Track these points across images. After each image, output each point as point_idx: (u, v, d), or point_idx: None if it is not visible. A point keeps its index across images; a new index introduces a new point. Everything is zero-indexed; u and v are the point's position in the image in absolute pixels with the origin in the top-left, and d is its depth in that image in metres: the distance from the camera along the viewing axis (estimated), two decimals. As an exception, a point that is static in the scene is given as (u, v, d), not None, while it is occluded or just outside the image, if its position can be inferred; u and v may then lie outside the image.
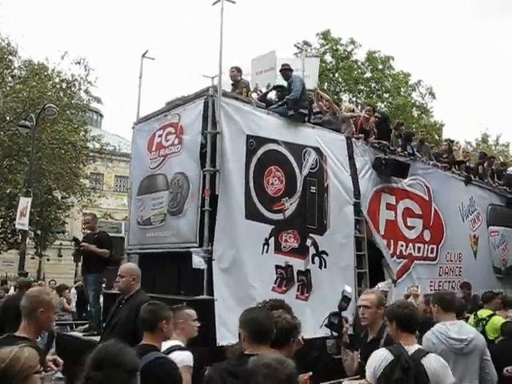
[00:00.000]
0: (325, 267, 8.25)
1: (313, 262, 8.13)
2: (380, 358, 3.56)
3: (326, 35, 31.31)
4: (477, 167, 12.40)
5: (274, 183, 7.87)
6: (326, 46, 31.50)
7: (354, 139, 9.27)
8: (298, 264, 7.92)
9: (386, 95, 31.58)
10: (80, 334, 7.75)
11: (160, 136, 8.27)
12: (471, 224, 11.57)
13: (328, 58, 31.33)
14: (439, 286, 10.16)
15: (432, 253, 10.33)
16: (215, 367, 3.20)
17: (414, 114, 31.71)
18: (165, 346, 3.91)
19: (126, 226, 9.17)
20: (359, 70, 31.48)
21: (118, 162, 33.54)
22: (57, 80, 23.87)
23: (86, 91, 25.30)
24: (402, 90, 31.75)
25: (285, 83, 8.67)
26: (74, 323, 10.36)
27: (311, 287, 7.99)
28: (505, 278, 12.07)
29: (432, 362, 3.52)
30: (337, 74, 31.25)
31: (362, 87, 31.41)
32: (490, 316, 6.96)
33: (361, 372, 4.12)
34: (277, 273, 7.68)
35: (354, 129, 9.50)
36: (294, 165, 8.17)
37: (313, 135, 8.61)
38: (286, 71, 8.50)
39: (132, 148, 9.25)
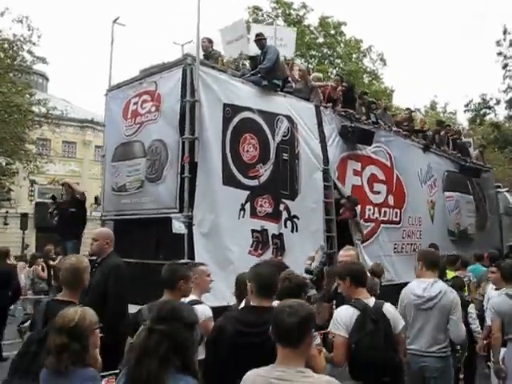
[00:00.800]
0: (296, 231, 8.81)
1: (285, 226, 8.66)
2: (349, 314, 4.01)
3: (277, -1, 31.47)
4: (433, 135, 13.17)
5: (249, 150, 8.29)
6: (278, 10, 31.65)
7: (322, 107, 9.77)
8: (272, 228, 8.43)
9: (338, 61, 32.18)
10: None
11: (135, 103, 8.48)
12: (429, 189, 12.42)
13: (280, 22, 31.47)
14: (402, 248, 10.98)
15: (396, 217, 11.12)
16: (225, 316, 3.63)
17: (365, 81, 32.54)
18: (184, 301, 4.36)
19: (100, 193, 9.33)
20: (311, 36, 31.86)
21: (66, 127, 32.92)
22: (-4, 39, 23.06)
23: (30, 51, 24.53)
24: (354, 56, 32.48)
25: (258, 52, 9.03)
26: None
27: (284, 250, 8.52)
28: (458, 241, 13.06)
29: (390, 310, 4.10)
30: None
31: (314, 52, 31.79)
32: (453, 278, 7.60)
33: None
34: (253, 237, 8.16)
35: (322, 97, 9.99)
36: (268, 132, 8.60)
37: (284, 104, 9.04)
38: (260, 41, 8.86)
39: (105, 115, 9.40)
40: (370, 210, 10.42)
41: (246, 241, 8.06)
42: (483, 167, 15.40)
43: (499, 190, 16.36)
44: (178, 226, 7.47)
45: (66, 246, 8.31)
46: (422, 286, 4.77)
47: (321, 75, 10.93)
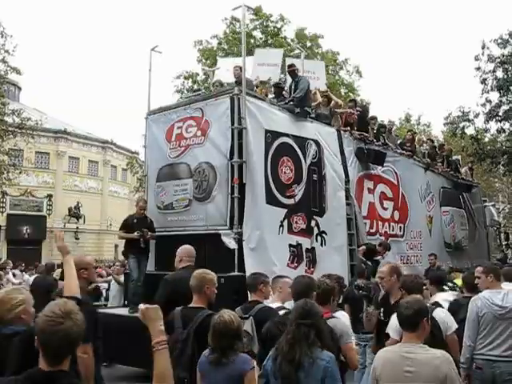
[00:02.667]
0: (324, 245, 9.89)
1: (316, 241, 9.75)
2: None
3: (256, 11, 32.59)
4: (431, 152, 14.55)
5: (286, 172, 9.37)
6: (256, 22, 32.80)
7: (342, 131, 10.95)
8: (305, 243, 9.51)
9: (315, 73, 33.53)
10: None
11: (180, 128, 9.45)
12: (427, 205, 13.76)
13: (258, 34, 32.67)
14: (407, 259, 12.22)
15: (400, 231, 12.37)
16: (272, 321, 4.54)
17: (342, 93, 34.01)
18: (273, 306, 5.28)
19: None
20: (288, 47, 33.11)
21: (39, 137, 33.10)
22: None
23: (4, 61, 24.89)
24: (331, 68, 33.89)
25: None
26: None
27: (316, 263, 9.59)
28: (452, 252, 14.43)
29: (440, 314, 4.91)
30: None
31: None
32: None
33: (380, 326, 5.49)
34: (290, 251, 9.21)
35: (341, 122, 11.18)
36: (300, 156, 9.70)
37: (312, 129, 10.18)
38: (293, 71, 10.06)
39: (146, 137, 10.27)
40: (380, 225, 11.62)
41: (284, 255, 9.09)
42: (472, 183, 16.98)
43: (486, 204, 18.00)
44: (228, 242, 8.46)
45: (140, 260, 9.01)
46: (499, 297, 5.29)
47: (340, 101, 12.10)
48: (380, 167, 11.82)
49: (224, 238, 8.46)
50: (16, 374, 2.54)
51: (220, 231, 8.54)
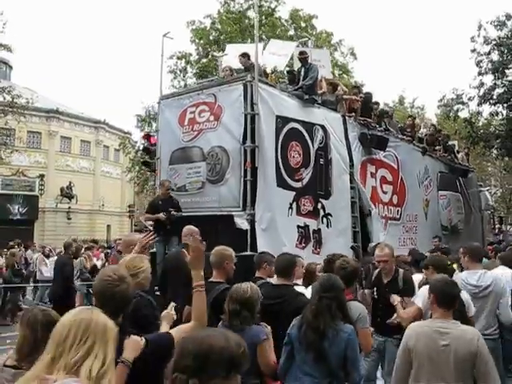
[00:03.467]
0: (330, 226, 10.48)
1: (322, 223, 10.34)
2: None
3: (250, -11, 32.76)
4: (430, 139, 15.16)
5: (295, 156, 9.92)
6: (250, 2, 33.00)
7: (346, 117, 11.50)
8: (312, 224, 10.09)
9: (309, 54, 33.82)
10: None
11: (192, 112, 9.94)
12: (425, 189, 14.41)
13: (252, 13, 32.86)
14: (404, 241, 12.85)
15: (397, 214, 13.00)
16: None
17: (336, 74, 34.40)
18: None
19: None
20: (283, 28, 33.38)
21: (31, 116, 33.30)
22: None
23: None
24: (325, 49, 34.25)
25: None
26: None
27: (321, 243, 10.18)
28: (448, 235, 15.11)
29: (465, 296, 5.16)
30: (261, 31, 32.99)
31: (285, 45, 33.27)
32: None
33: (374, 305, 6.05)
34: (298, 232, 9.79)
35: (345, 108, 11.73)
36: (308, 140, 10.24)
37: (319, 114, 10.72)
38: (305, 59, 10.59)
39: (159, 121, 10.81)
40: (382, 208, 12.25)
41: (293, 235, 9.66)
42: (469, 168, 17.66)
43: (481, 188, 18.73)
44: (241, 223, 9.00)
45: (171, 240, 9.05)
46: (475, 277, 5.71)
47: (345, 88, 12.64)
48: (382, 152, 12.39)
49: (237, 219, 8.99)
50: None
51: (233, 213, 9.06)
